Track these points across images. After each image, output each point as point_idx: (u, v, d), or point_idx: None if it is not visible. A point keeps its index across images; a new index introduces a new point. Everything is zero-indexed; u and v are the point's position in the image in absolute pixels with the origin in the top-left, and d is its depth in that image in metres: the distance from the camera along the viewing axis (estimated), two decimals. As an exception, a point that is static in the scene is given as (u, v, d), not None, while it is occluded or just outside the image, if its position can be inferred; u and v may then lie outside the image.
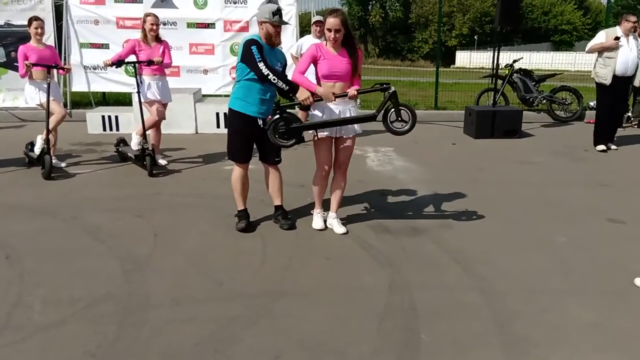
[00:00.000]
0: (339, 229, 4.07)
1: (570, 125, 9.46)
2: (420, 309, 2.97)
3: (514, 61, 9.54)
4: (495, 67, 8.99)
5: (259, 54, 3.73)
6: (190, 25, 9.34)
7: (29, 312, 2.88)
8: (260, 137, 3.97)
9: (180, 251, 3.73)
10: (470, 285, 3.26)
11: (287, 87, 3.78)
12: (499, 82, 9.20)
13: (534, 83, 9.62)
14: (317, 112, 3.87)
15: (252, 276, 3.35)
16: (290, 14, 9.34)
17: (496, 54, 8.83)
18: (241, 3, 9.20)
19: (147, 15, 5.81)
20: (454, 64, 36.47)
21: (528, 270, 3.48)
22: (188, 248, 3.79)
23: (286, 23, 3.93)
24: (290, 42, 9.15)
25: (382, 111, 3.77)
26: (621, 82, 6.96)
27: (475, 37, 43.03)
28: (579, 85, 10.65)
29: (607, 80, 6.90)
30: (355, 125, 3.93)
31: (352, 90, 3.75)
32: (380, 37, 52.10)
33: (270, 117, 3.86)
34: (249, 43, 3.76)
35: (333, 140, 3.97)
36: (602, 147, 7.20)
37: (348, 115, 3.86)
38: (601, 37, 6.95)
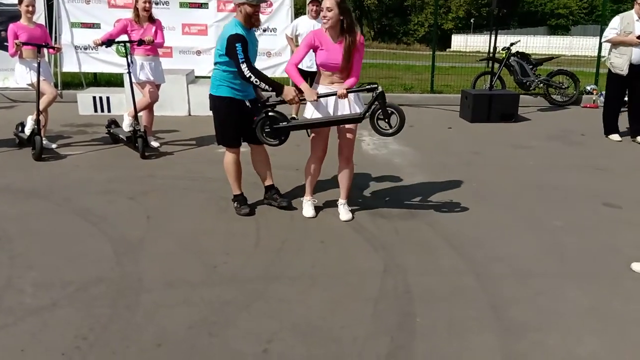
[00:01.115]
0: (344, 215, 3.99)
1: (567, 109, 9.43)
2: (415, 292, 2.95)
3: (511, 44, 9.44)
4: (493, 50, 8.91)
5: (242, 54, 3.59)
6: (182, 4, 9.18)
7: (20, 295, 2.83)
8: (248, 118, 3.90)
9: (173, 234, 3.69)
10: (466, 269, 3.24)
11: (270, 89, 3.67)
12: (496, 65, 9.13)
13: (531, 67, 9.54)
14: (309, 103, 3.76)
15: (245, 259, 3.32)
16: (285, -6, 9.21)
17: (493, 37, 8.75)
18: (235, -18, 9.03)
19: (139, -7, 5.67)
20: (450, 47, 36.25)
21: (523, 254, 3.47)
22: (181, 231, 3.74)
23: (264, 1, 3.83)
24: (285, 23, 9.04)
25: (370, 112, 3.69)
26: (637, 70, 6.48)
27: (472, 20, 42.72)
28: (575, 69, 10.59)
29: (624, 71, 6.47)
30: (353, 111, 3.78)
31: (341, 90, 3.63)
32: (376, 19, 51.60)
33: (256, 117, 3.80)
34: (233, 39, 3.60)
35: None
36: (617, 136, 6.84)
37: (344, 104, 3.75)
38: (616, 22, 6.53)
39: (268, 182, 4.23)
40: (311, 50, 3.72)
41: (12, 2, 8.14)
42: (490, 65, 9.18)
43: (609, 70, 6.79)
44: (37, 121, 5.51)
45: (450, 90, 10.66)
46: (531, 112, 8.93)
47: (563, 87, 9.60)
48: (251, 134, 3.97)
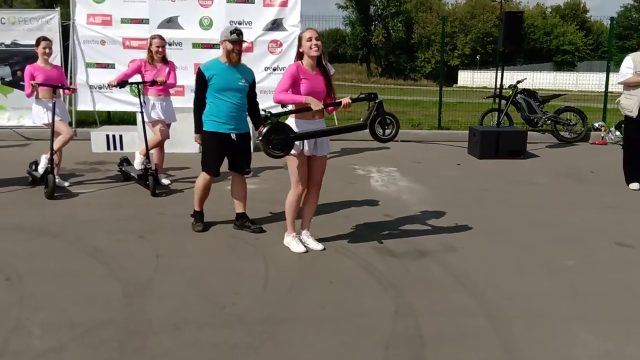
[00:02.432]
0: (317, 246, 4.10)
1: (575, 146, 9.43)
2: (426, 335, 2.90)
3: (518, 82, 9.55)
4: (499, 87, 9.00)
5: (195, 87, 4.28)
6: (195, 45, 9.42)
7: (28, 337, 2.83)
8: (233, 149, 4.32)
9: (182, 273, 3.69)
10: (477, 310, 3.20)
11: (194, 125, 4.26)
12: (503, 102, 9.21)
13: (538, 104, 9.62)
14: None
15: (253, 300, 3.30)
16: (294, 35, 9.43)
17: (499, 74, 8.85)
18: (246, 24, 9.27)
19: (153, 37, 5.87)
20: (457, 83, 36.68)
21: (535, 294, 3.42)
22: (190, 270, 3.74)
23: (244, 41, 4.29)
24: (295, 63, 9.21)
25: (370, 118, 3.89)
26: None
27: (478, 57, 43.32)
28: (582, 105, 10.65)
29: (633, 112, 6.05)
30: (330, 144, 4.03)
31: (346, 99, 3.83)
32: (383, 56, 52.52)
33: (262, 127, 3.84)
34: (197, 71, 4.27)
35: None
36: (635, 185, 6.24)
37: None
38: (630, 62, 6.16)
39: (240, 210, 4.56)
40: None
41: (28, 43, 8.42)
42: (497, 102, 9.26)
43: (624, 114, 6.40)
44: (51, 160, 5.61)
45: (457, 126, 10.73)
46: (539, 149, 8.94)
47: (571, 123, 9.63)
48: (235, 164, 4.37)
